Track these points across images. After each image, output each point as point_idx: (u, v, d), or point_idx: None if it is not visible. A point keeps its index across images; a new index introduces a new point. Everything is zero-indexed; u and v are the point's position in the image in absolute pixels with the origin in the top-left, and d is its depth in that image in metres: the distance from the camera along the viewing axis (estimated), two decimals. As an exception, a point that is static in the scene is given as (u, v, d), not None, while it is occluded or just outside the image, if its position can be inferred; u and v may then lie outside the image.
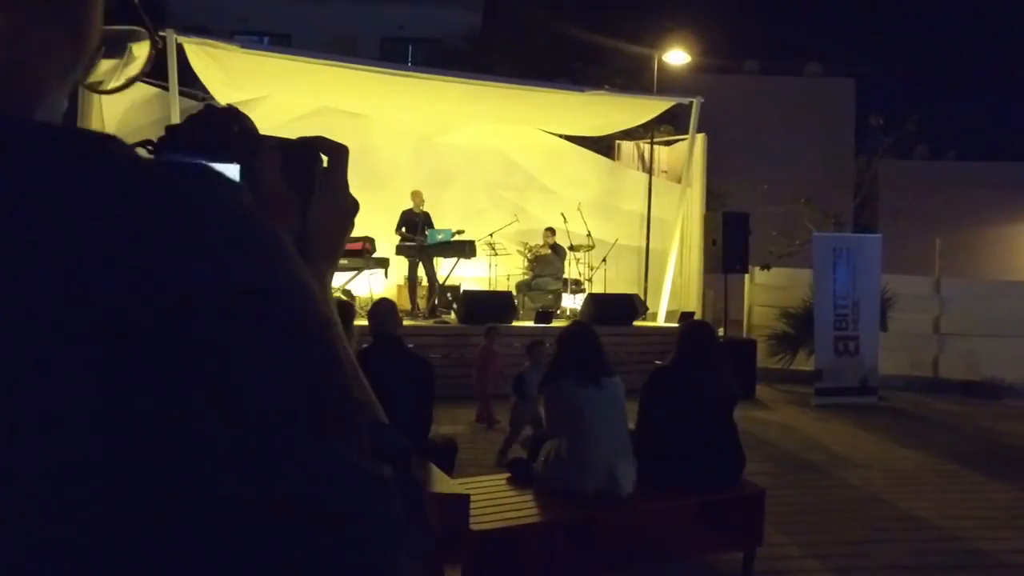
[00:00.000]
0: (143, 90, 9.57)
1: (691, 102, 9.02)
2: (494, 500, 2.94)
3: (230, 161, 0.67)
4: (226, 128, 0.67)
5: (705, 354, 3.18)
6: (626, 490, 2.97)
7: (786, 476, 5.03)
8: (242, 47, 7.31)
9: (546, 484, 3.04)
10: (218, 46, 7.25)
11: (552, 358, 3.17)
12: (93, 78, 0.54)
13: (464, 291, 8.63)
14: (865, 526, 4.18)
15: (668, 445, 3.15)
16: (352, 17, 17.07)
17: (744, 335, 9.42)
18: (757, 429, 6.42)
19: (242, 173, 0.66)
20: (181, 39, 7.27)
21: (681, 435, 3.13)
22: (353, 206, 0.69)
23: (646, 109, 9.93)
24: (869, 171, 12.66)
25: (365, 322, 4.28)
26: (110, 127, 9.23)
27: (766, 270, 9.70)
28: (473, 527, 2.54)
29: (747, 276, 9.61)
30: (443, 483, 2.72)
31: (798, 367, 8.97)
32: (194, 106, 10.27)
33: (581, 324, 3.38)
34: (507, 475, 3.25)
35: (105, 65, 0.55)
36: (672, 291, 10.43)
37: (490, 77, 9.56)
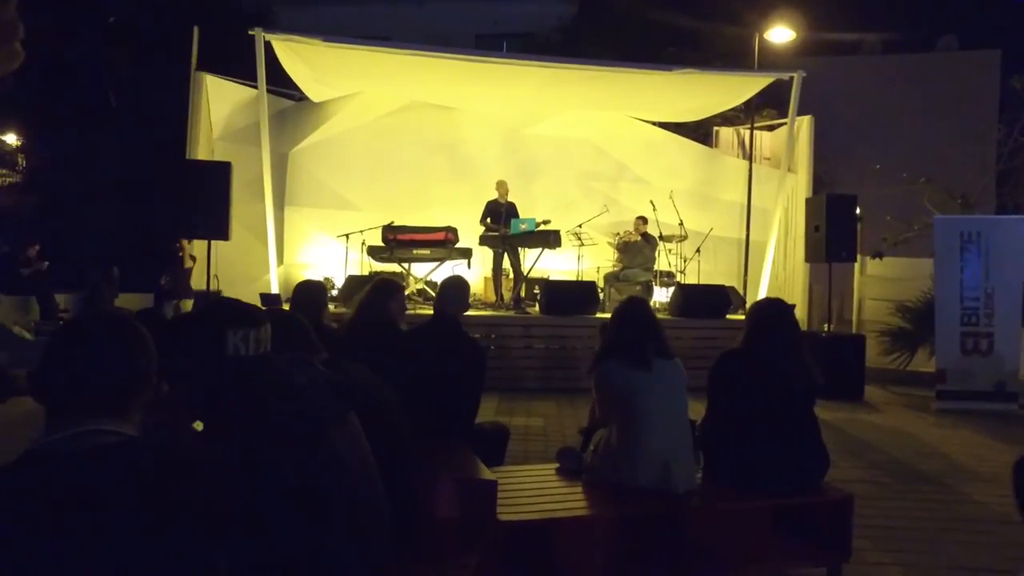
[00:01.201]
0: (245, 92, 10.07)
1: (791, 77, 8.27)
2: (535, 491, 2.69)
3: None
4: None
5: (779, 336, 2.77)
6: (683, 487, 2.63)
7: (894, 486, 4.42)
8: (324, 40, 7.38)
9: (595, 477, 2.76)
10: (303, 41, 7.40)
11: (603, 338, 2.88)
12: None
13: (545, 281, 8.40)
14: (991, 551, 3.52)
15: (736, 439, 2.77)
16: (447, 15, 17.35)
17: (854, 331, 8.56)
18: (863, 432, 5.76)
19: None
20: (268, 36, 7.48)
21: (751, 428, 2.75)
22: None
23: (742, 88, 9.22)
24: (1008, 143, 11.14)
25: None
26: (216, 128, 9.76)
27: (878, 259, 8.73)
28: (501, 517, 2.31)
29: (856, 267, 8.72)
30: (475, 468, 2.50)
31: (917, 368, 8.03)
32: (290, 106, 10.75)
33: (635, 299, 3.05)
34: (556, 465, 2.99)
35: None
36: (774, 285, 9.72)
37: (576, 60, 9.25)
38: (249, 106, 10.30)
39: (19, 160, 19.03)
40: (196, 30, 8.90)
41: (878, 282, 9.06)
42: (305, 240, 10.41)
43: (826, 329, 7.80)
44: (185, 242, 8.94)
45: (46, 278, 8.86)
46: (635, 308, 2.91)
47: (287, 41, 7.41)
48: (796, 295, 9.52)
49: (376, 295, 3.25)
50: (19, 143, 19.26)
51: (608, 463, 2.70)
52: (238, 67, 9.44)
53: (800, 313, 9.25)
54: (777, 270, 10.14)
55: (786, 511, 2.67)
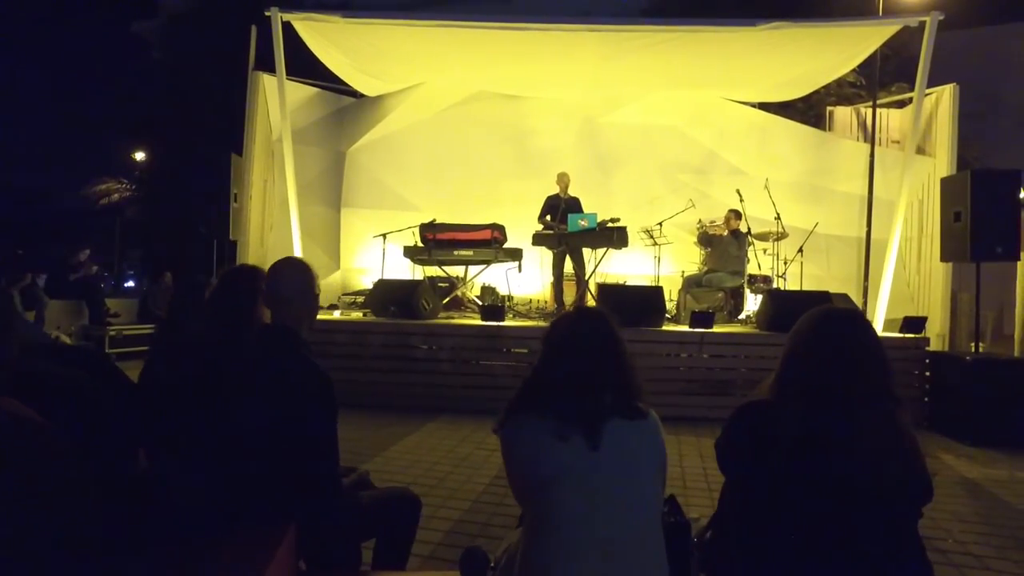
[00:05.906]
0: (304, 91, 9.59)
1: (921, 22, 6.25)
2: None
3: None
4: None
5: (845, 378, 1.43)
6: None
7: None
8: (343, 16, 6.45)
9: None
10: (320, 19, 6.53)
11: (524, 379, 1.66)
12: None
13: (599, 286, 7.08)
14: None
15: (767, 563, 1.47)
16: (536, 5, 16.49)
17: (1016, 353, 6.54)
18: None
19: None
20: (286, 16, 6.68)
21: (794, 546, 1.44)
22: None
23: (853, 45, 7.21)
24: None
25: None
26: (275, 128, 9.33)
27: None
28: None
29: (1020, 267, 6.69)
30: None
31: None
32: (350, 103, 10.17)
33: (584, 312, 1.68)
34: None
35: None
36: (903, 292, 7.86)
37: (642, 20, 7.88)
38: (308, 105, 9.81)
39: (140, 174, 20.14)
40: (254, 29, 8.46)
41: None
42: (363, 243, 9.75)
43: (974, 350, 5.94)
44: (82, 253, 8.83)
45: (96, 282, 8.73)
46: (574, 328, 1.65)
47: (306, 20, 6.60)
48: (933, 305, 7.59)
49: (228, 291, 2.21)
50: (145, 158, 20.41)
51: (511, 598, 1.49)
52: (301, 66, 8.98)
53: (937, 328, 7.31)
54: (908, 274, 8.22)
55: None
